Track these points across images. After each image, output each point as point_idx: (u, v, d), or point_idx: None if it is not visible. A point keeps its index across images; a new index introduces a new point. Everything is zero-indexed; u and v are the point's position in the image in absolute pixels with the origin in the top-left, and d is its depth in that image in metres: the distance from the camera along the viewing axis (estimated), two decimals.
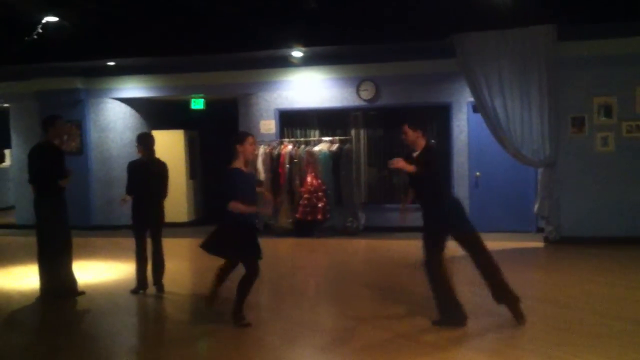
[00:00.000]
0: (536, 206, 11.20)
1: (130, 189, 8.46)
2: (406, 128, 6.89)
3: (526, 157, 10.97)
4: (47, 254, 8.00)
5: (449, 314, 6.46)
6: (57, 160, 8.03)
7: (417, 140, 6.86)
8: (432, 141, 6.94)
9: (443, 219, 6.50)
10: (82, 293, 8.24)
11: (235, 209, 6.45)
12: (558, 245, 10.96)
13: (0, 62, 13.01)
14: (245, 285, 6.59)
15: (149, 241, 8.42)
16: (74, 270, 8.25)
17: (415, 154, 6.63)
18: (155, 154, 8.49)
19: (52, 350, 6.21)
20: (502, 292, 6.54)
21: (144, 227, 8.41)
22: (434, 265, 6.58)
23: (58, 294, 8.05)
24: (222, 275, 7.05)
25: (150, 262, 8.37)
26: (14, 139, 15.05)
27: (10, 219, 15.67)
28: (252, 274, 6.58)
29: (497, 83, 10.85)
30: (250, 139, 6.80)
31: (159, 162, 8.51)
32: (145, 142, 8.45)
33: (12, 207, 16.22)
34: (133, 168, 8.49)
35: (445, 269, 6.59)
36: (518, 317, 6.48)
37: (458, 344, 6.10)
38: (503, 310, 7.13)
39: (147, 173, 8.34)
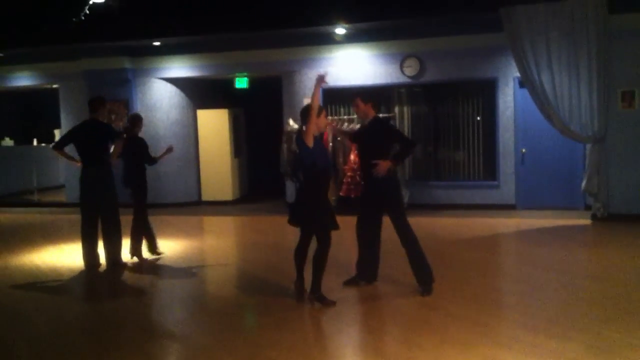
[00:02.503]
0: (584, 183, 11.01)
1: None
2: (358, 101, 7.06)
3: (574, 133, 10.79)
4: (118, 225, 8.56)
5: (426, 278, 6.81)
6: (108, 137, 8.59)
7: (368, 112, 7.03)
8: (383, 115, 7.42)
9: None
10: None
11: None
12: (606, 222, 10.77)
13: (49, 42, 13.28)
14: (322, 259, 6.49)
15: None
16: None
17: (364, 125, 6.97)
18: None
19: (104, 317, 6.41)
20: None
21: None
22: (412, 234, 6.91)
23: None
24: (302, 258, 6.86)
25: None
26: (64, 118, 15.35)
27: (61, 197, 16.05)
28: (326, 246, 6.49)
29: (545, 57, 10.65)
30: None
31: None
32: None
33: (62, 186, 16.60)
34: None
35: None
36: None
37: (501, 319, 6.07)
38: (547, 288, 7.08)
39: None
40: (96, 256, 8.54)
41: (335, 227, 6.60)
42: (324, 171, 6.53)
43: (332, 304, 6.44)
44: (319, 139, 6.63)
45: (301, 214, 6.57)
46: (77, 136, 8.55)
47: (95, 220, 8.50)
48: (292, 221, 6.70)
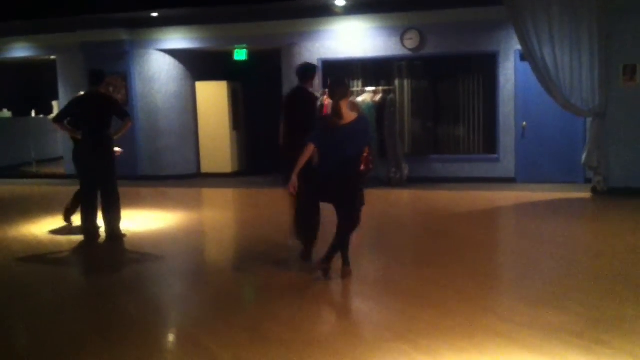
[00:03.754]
0: (584, 156, 10.99)
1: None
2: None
3: (575, 107, 10.74)
4: (117, 197, 8.52)
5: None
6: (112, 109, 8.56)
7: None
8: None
9: None
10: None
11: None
12: (606, 196, 10.77)
13: (46, 14, 13.15)
14: (349, 233, 6.41)
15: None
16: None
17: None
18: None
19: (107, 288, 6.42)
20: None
21: None
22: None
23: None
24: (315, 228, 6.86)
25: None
26: (61, 90, 15.27)
27: (59, 169, 16.03)
28: (358, 222, 6.45)
29: (546, 30, 10.57)
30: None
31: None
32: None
33: (60, 158, 16.56)
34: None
35: None
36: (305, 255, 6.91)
37: (501, 292, 6.09)
38: (547, 262, 7.09)
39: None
40: (96, 227, 8.54)
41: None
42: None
43: (349, 273, 6.40)
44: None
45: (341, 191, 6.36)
46: (80, 109, 8.48)
47: (95, 193, 8.49)
48: (324, 198, 6.53)
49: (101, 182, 8.42)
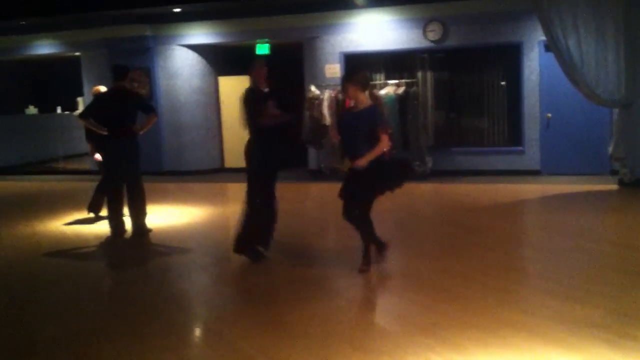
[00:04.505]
0: (610, 148, 10.86)
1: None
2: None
3: (600, 98, 10.60)
4: (142, 193, 8.55)
5: None
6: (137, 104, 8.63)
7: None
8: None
9: None
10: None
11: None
12: (632, 187, 10.63)
13: (70, 10, 13.27)
14: (362, 232, 6.40)
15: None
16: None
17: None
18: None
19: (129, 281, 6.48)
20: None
21: None
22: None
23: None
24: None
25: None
26: (86, 86, 15.40)
27: (85, 164, 16.17)
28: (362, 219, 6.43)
29: (571, 20, 10.43)
30: None
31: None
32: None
33: (86, 154, 16.68)
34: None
35: None
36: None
37: (525, 286, 6.05)
38: (572, 255, 7.02)
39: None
40: (122, 222, 8.61)
41: None
42: None
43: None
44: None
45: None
46: (105, 104, 8.54)
47: (121, 187, 8.55)
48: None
49: (126, 177, 8.49)
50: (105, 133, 8.44)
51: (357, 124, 6.26)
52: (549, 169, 12.34)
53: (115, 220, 8.55)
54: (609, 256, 6.90)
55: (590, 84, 10.51)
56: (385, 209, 10.02)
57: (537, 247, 7.69)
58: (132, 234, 8.56)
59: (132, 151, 8.46)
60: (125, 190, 8.57)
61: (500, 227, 8.52)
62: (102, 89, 9.53)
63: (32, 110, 18.69)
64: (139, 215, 8.55)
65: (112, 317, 5.63)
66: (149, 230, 8.66)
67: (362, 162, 6.16)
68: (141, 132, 8.56)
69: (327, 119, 12.66)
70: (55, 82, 19.23)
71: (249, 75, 7.14)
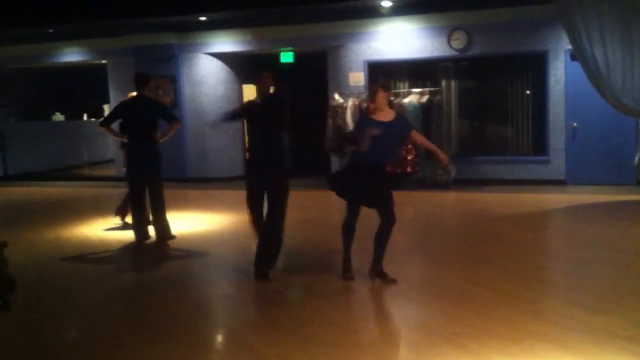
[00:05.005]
0: (637, 158, 10.73)
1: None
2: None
3: (627, 107, 10.47)
4: (163, 199, 8.60)
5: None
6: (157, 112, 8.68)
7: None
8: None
9: None
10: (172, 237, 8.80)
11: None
12: None
13: (97, 19, 13.43)
14: (387, 236, 6.33)
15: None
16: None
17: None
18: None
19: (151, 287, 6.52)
20: None
21: None
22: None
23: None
24: (353, 234, 6.55)
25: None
26: (112, 94, 15.57)
27: (110, 171, 16.34)
28: (393, 221, 6.34)
29: (597, 28, 10.32)
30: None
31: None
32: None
33: (111, 160, 16.88)
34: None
35: None
36: None
37: (548, 296, 5.98)
38: (597, 265, 6.94)
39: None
40: (145, 228, 8.66)
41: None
42: None
43: (394, 281, 6.30)
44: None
45: (374, 191, 6.33)
46: (126, 112, 8.60)
47: (142, 194, 8.59)
48: (362, 200, 6.43)
49: (148, 183, 8.53)
50: (125, 140, 8.52)
51: (390, 133, 6.20)
52: (574, 178, 12.22)
53: (138, 226, 8.60)
54: (634, 267, 6.80)
55: (616, 93, 10.39)
56: (409, 217, 10.01)
57: (561, 257, 7.61)
58: (156, 239, 8.60)
59: (152, 158, 8.49)
60: (148, 197, 8.62)
61: (524, 236, 8.45)
62: None
63: (58, 117, 18.96)
64: (162, 222, 8.59)
65: (134, 322, 5.66)
66: (173, 237, 8.69)
67: (444, 156, 6.37)
68: (162, 140, 8.62)
69: (350, 126, 12.65)
70: (81, 89, 19.50)
71: (255, 84, 7.04)
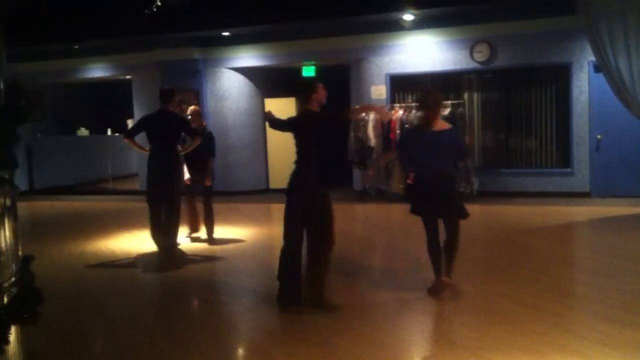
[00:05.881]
0: None
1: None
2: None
3: None
4: (178, 212, 8.62)
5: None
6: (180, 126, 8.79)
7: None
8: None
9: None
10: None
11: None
12: None
13: (123, 34, 13.62)
14: (457, 246, 6.27)
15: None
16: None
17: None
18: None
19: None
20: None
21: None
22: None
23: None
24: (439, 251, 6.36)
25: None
26: (136, 108, 15.73)
27: (135, 185, 16.48)
28: (459, 231, 6.31)
29: (622, 40, 10.26)
30: None
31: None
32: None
33: (135, 174, 17.02)
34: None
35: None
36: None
37: (575, 309, 5.93)
38: (623, 278, 6.87)
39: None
40: (160, 242, 8.63)
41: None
42: None
43: (458, 291, 6.26)
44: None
45: (446, 205, 6.27)
46: (150, 125, 8.68)
47: (158, 207, 8.52)
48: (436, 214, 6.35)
49: (163, 197, 8.50)
50: (147, 152, 8.61)
51: (440, 144, 6.19)
52: (599, 191, 12.11)
53: (154, 238, 8.59)
54: None
55: None
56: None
57: (587, 269, 7.54)
58: (160, 251, 8.55)
59: (173, 170, 8.54)
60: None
61: (549, 248, 8.39)
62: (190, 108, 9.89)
63: (83, 131, 19.17)
64: (170, 234, 8.53)
65: (160, 331, 5.70)
66: (177, 250, 8.70)
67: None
68: (182, 153, 8.73)
69: (372, 140, 12.67)
70: (106, 104, 19.73)
71: (308, 96, 6.69)
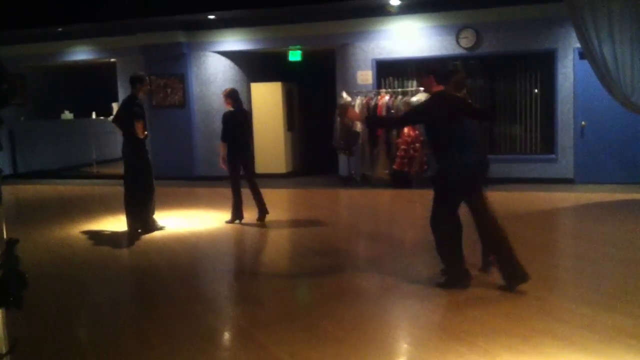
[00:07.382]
0: None
1: (226, 137, 9.58)
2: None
3: (636, 105, 10.46)
4: (145, 195, 9.17)
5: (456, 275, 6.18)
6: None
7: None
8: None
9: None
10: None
11: None
12: None
13: (107, 17, 13.49)
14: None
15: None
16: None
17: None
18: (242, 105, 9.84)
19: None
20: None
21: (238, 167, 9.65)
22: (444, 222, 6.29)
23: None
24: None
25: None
26: (121, 92, 15.61)
27: (119, 169, 16.35)
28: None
29: (606, 27, 10.32)
30: None
31: (246, 112, 9.88)
32: (235, 96, 9.77)
33: (119, 159, 16.88)
34: (228, 119, 9.72)
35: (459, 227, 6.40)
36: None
37: (559, 294, 5.99)
38: (607, 264, 6.94)
39: (239, 123, 9.82)
40: (143, 222, 9.09)
41: None
42: None
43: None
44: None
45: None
46: (118, 111, 9.51)
47: (129, 190, 9.16)
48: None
49: (135, 179, 9.12)
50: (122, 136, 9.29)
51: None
52: (582, 177, 12.21)
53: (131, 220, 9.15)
54: None
55: (625, 91, 10.38)
56: (418, 215, 10.03)
57: (570, 255, 7.62)
58: (127, 233, 9.09)
59: (136, 154, 9.11)
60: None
61: (533, 235, 8.45)
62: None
63: (67, 115, 19.00)
64: (138, 215, 9.08)
65: (145, 317, 5.70)
66: (139, 234, 9.00)
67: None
68: (141, 136, 9.08)
69: (359, 125, 12.67)
70: (90, 87, 19.57)
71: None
